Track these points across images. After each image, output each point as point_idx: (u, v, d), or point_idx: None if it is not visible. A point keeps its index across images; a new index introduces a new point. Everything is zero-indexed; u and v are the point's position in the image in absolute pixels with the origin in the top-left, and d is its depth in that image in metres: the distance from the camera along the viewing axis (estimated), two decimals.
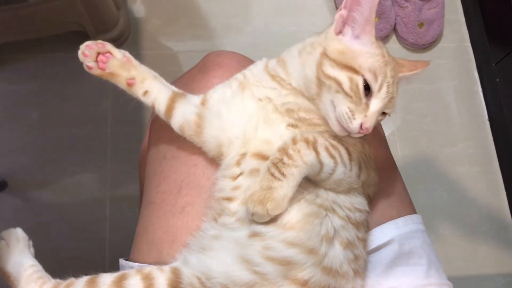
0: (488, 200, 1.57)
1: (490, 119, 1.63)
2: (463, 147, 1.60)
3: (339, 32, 0.61)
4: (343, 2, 0.60)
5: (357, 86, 0.58)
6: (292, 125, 0.61)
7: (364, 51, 0.59)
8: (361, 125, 0.58)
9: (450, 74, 1.67)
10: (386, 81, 0.59)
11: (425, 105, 1.63)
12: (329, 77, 0.59)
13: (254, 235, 0.56)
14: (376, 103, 0.59)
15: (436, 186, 1.57)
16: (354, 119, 0.58)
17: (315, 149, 0.55)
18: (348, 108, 0.58)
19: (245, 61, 0.77)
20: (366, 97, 0.59)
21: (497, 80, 1.58)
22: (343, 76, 0.58)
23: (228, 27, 1.64)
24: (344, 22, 0.61)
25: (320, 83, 0.60)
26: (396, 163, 0.81)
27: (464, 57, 1.69)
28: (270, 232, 0.56)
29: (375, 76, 0.58)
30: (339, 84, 0.58)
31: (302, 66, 0.62)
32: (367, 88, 0.59)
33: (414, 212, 0.74)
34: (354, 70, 0.59)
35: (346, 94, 0.58)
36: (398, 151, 1.57)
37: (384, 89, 0.59)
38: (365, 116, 0.58)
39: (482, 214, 1.55)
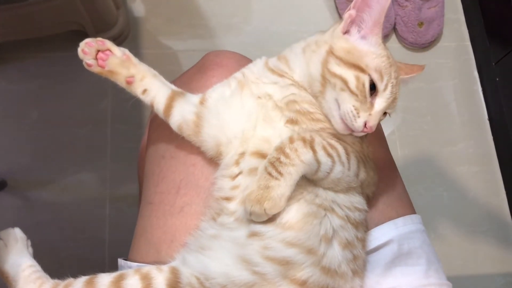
0: (488, 200, 1.57)
1: (490, 119, 1.63)
2: (463, 147, 1.60)
3: (346, 32, 0.62)
4: (353, 2, 0.60)
5: (363, 84, 0.59)
6: (292, 121, 0.61)
7: (371, 51, 0.60)
8: (365, 124, 0.59)
9: (450, 73, 1.67)
10: (391, 81, 0.60)
11: (425, 105, 1.63)
12: (335, 75, 0.60)
13: (253, 234, 0.56)
14: (380, 102, 0.60)
15: (436, 185, 1.57)
16: (358, 117, 0.58)
17: (312, 148, 0.55)
18: (353, 106, 0.58)
19: (244, 61, 0.77)
20: (370, 97, 0.59)
21: (497, 79, 1.57)
22: (349, 75, 0.59)
23: (228, 26, 1.64)
24: (352, 22, 0.61)
25: (324, 81, 0.61)
26: (396, 162, 0.80)
27: (464, 57, 1.69)
28: (269, 232, 0.55)
29: (381, 76, 0.59)
30: (345, 82, 0.59)
31: (306, 63, 0.63)
32: (372, 88, 0.59)
33: (413, 212, 0.74)
34: (361, 69, 0.59)
35: (351, 92, 0.59)
36: (398, 151, 1.57)
37: (389, 89, 0.60)
38: (370, 114, 0.59)
39: (482, 213, 1.55)
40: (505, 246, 1.53)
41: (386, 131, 1.49)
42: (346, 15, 0.61)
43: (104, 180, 1.43)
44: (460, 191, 1.57)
